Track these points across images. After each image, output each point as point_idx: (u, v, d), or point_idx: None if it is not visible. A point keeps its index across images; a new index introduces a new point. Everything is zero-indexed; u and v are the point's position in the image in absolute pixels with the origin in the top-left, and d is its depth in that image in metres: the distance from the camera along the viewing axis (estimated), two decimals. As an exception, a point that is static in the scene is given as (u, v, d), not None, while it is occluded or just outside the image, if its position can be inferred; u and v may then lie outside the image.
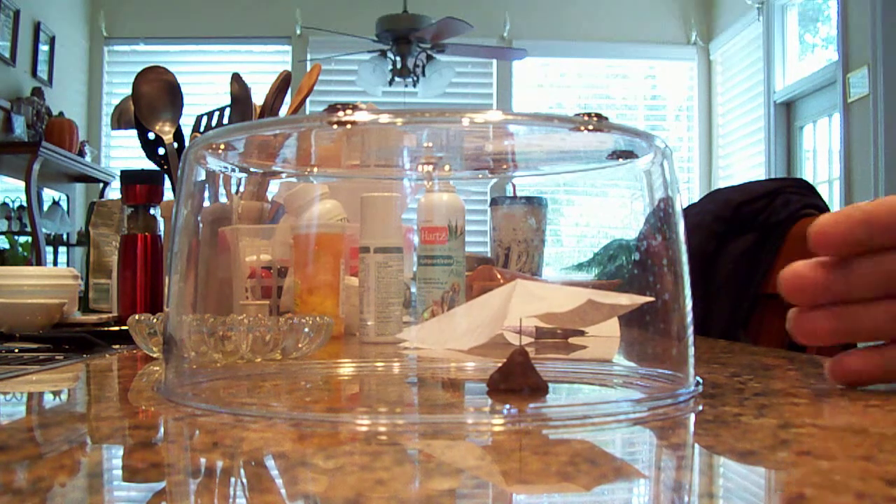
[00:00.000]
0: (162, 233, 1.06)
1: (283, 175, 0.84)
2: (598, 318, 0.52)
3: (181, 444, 0.38)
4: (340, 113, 0.44)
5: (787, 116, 4.40)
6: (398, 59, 4.08)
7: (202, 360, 0.61)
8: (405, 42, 4.02)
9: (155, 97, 1.14)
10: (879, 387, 0.48)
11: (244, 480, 0.30)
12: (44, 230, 3.89)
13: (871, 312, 0.44)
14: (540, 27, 5.00)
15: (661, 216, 0.50)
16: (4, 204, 4.15)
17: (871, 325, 0.44)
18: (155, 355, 0.70)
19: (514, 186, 1.24)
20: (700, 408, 0.43)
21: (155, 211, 1.05)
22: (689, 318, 0.48)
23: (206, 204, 0.57)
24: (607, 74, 5.25)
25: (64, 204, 4.60)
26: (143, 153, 1.15)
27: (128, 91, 1.20)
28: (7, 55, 4.05)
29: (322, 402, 0.54)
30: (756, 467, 0.30)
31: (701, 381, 0.49)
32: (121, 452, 0.36)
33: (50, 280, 1.11)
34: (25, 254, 3.92)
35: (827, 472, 0.29)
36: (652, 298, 0.49)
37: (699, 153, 5.14)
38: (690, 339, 0.49)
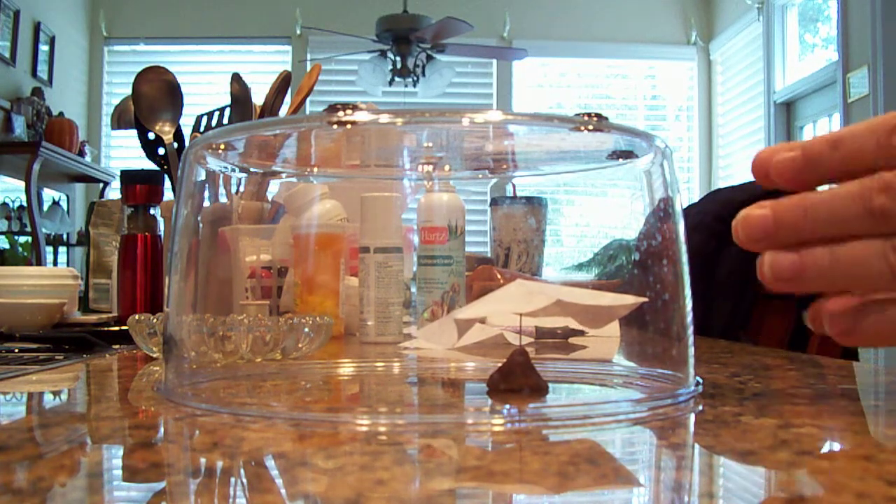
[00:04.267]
0: (162, 233, 1.06)
1: (283, 175, 0.84)
2: (598, 322, 0.51)
3: (181, 444, 0.38)
4: (340, 113, 0.44)
5: (787, 116, 4.40)
6: (398, 59, 4.08)
7: (202, 360, 0.61)
8: (405, 42, 4.02)
9: (155, 97, 1.14)
10: (879, 386, 0.48)
11: (244, 480, 0.30)
12: (44, 230, 3.89)
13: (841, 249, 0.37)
14: (540, 27, 5.00)
15: (661, 216, 0.50)
16: (4, 204, 4.15)
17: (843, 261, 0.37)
18: (155, 355, 0.70)
19: (514, 186, 1.24)
20: (700, 408, 0.43)
21: (155, 211, 1.05)
22: (689, 318, 0.48)
23: (206, 204, 0.57)
24: (607, 74, 5.25)
25: (64, 204, 4.59)
26: (143, 153, 1.15)
27: (128, 91, 1.20)
28: (7, 55, 4.05)
29: (322, 402, 0.54)
30: (756, 467, 0.30)
31: (701, 381, 0.49)
32: (121, 452, 0.36)
33: (50, 280, 1.11)
34: (25, 254, 3.92)
35: (827, 472, 0.29)
36: (646, 299, 0.49)
37: (699, 153, 5.14)
38: (690, 339, 0.49)
